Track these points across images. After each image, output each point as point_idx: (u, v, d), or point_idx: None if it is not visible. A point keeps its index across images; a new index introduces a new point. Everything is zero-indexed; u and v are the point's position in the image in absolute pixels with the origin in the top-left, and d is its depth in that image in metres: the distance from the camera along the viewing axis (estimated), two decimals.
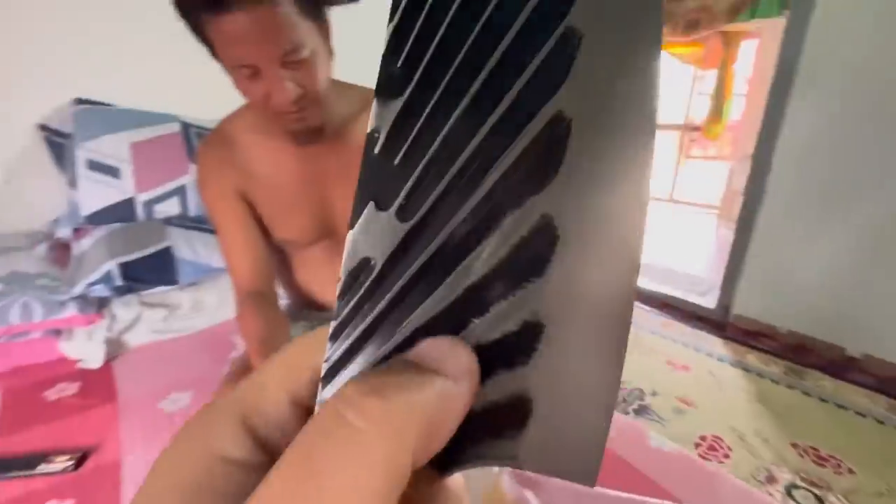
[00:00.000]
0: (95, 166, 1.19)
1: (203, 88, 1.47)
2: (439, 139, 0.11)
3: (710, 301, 2.52)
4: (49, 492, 0.72)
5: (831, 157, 1.89)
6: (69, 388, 0.95)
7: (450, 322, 0.11)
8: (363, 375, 0.11)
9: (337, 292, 0.12)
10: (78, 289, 1.03)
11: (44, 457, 0.76)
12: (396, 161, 0.12)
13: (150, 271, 1.12)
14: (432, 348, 0.11)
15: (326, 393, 0.12)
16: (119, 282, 1.08)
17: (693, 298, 2.61)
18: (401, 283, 0.12)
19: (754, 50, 4.69)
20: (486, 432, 0.11)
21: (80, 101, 1.26)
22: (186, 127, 1.35)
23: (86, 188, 1.17)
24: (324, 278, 0.87)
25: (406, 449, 0.09)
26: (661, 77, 0.10)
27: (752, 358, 2.05)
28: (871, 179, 1.81)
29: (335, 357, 0.12)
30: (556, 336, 0.10)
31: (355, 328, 0.12)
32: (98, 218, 1.19)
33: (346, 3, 1.38)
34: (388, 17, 0.12)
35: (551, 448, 0.10)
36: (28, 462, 0.76)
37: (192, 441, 0.11)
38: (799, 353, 2.05)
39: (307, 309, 0.93)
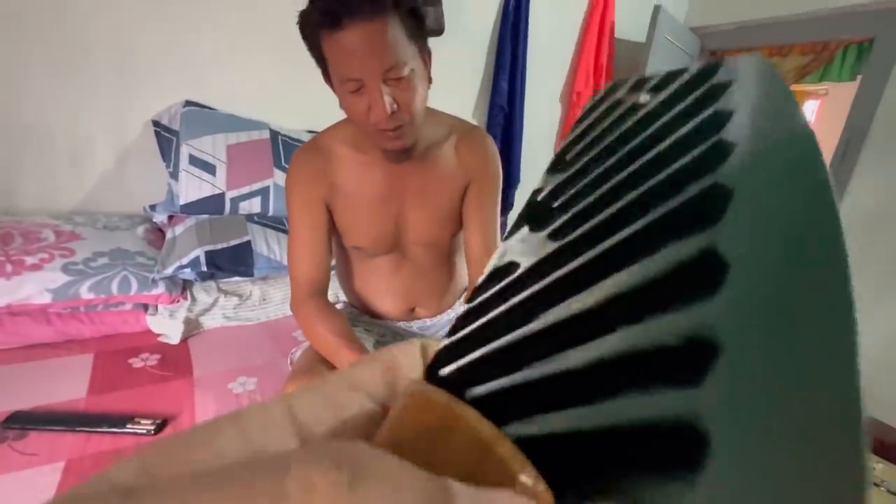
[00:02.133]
0: (195, 162, 1.31)
1: (291, 102, 1.61)
2: (594, 196, 0.14)
3: None
4: (133, 450, 0.79)
5: None
6: (151, 359, 1.04)
7: (597, 322, 0.10)
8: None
9: (478, 283, 0.14)
10: (169, 270, 1.13)
11: (131, 418, 0.84)
12: (554, 205, 0.15)
13: (231, 261, 1.22)
14: None
15: (443, 371, 0.12)
16: (204, 268, 1.18)
17: None
18: (544, 282, 0.12)
19: (815, 111, 4.60)
20: (642, 463, 0.09)
21: (188, 103, 1.40)
22: (275, 134, 1.48)
23: (185, 180, 1.30)
24: (383, 288, 0.92)
25: None
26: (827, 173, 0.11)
27: None
28: None
29: (460, 336, 0.13)
30: (736, 360, 0.08)
31: (489, 312, 0.13)
32: (191, 208, 1.31)
33: (433, 36, 1.49)
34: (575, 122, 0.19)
35: None
36: (117, 421, 0.83)
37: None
38: None
39: (364, 315, 0.98)
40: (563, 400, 0.10)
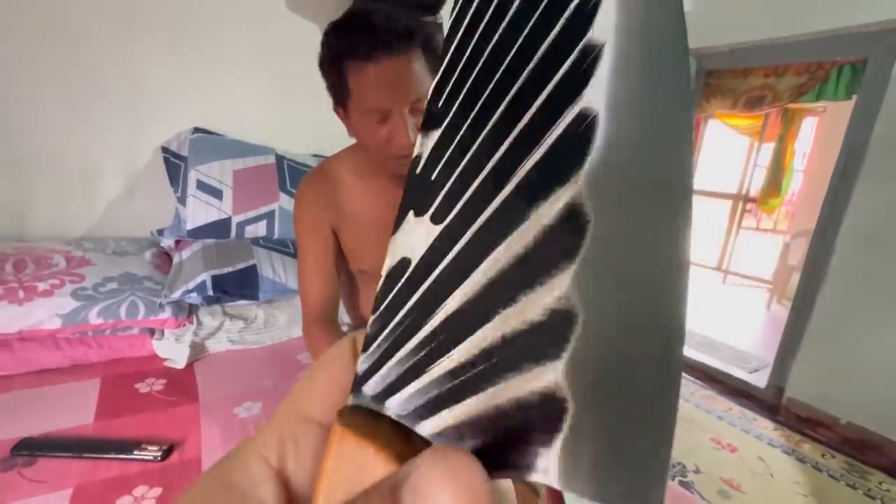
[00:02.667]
0: (203, 187, 1.35)
1: (296, 127, 1.65)
2: (469, 155, 0.12)
3: (759, 380, 2.41)
4: (140, 476, 0.79)
5: None
6: (157, 384, 1.05)
7: (477, 312, 0.11)
8: None
9: (377, 289, 0.13)
10: (176, 294, 1.15)
11: (137, 444, 0.85)
12: (433, 177, 0.13)
13: (237, 285, 1.24)
14: (430, 474, 0.09)
15: (364, 393, 0.13)
16: (210, 292, 1.19)
17: (740, 374, 2.50)
18: (433, 277, 0.12)
19: (815, 127, 4.65)
20: (514, 437, 0.10)
21: (196, 130, 1.45)
22: (280, 159, 1.51)
23: (193, 205, 1.33)
24: None
25: None
26: (691, 80, 0.11)
27: (808, 448, 1.93)
28: None
29: (378, 341, 0.13)
30: (590, 325, 0.10)
31: (392, 319, 0.13)
32: (198, 232, 1.33)
33: None
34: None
35: (594, 466, 0.09)
36: (123, 447, 0.84)
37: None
38: (860, 449, 1.91)
39: None
40: (460, 393, 0.11)
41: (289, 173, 1.49)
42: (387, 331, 0.13)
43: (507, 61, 0.12)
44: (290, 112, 1.64)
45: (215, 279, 1.21)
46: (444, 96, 0.14)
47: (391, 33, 0.66)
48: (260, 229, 1.41)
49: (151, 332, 1.16)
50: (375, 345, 0.13)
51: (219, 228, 1.35)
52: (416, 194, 0.13)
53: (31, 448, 0.81)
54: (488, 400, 0.10)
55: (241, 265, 1.27)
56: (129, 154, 1.42)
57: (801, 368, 2.14)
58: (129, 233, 1.43)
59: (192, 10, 1.41)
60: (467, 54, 0.14)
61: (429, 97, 0.14)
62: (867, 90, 1.96)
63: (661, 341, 0.10)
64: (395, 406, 0.12)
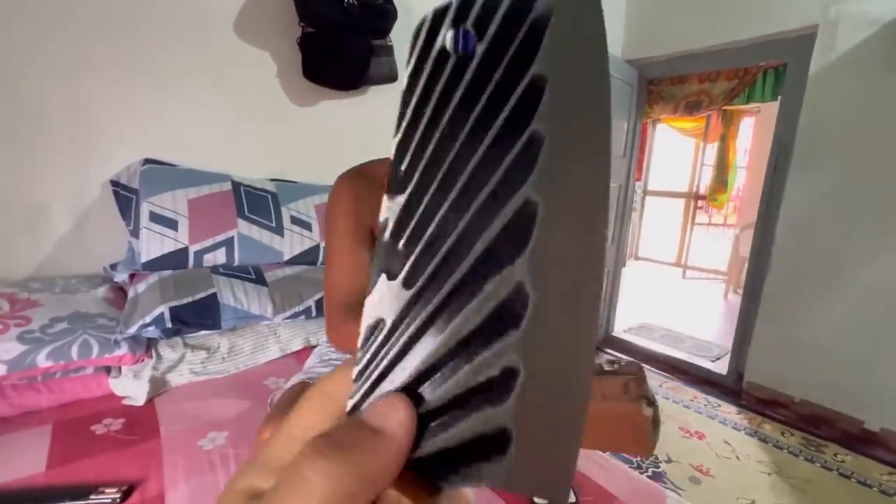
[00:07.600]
0: (156, 218, 1.32)
1: (251, 153, 1.64)
2: (433, 225, 0.14)
3: (721, 367, 2.52)
4: None
5: (830, 227, 1.99)
6: (115, 424, 1.01)
7: (445, 370, 0.14)
8: (325, 435, 0.13)
9: (359, 343, 0.15)
10: (132, 329, 1.12)
11: (94, 488, 0.81)
12: (401, 244, 0.15)
13: (197, 315, 1.21)
14: (380, 406, 0.14)
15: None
16: (169, 324, 1.16)
17: (704, 363, 2.61)
18: (404, 338, 0.14)
19: (752, 126, 4.99)
20: (476, 457, 0.13)
21: (147, 161, 1.42)
22: (237, 185, 1.50)
23: (147, 238, 1.30)
24: None
25: (343, 491, 0.12)
26: (610, 168, 0.13)
27: (769, 428, 2.03)
28: (870, 249, 1.89)
29: (358, 395, 0.15)
30: (529, 380, 0.12)
31: (372, 373, 0.15)
32: (154, 265, 1.30)
33: (387, 83, 1.57)
34: (393, 127, 0.16)
35: (532, 472, 0.12)
36: (79, 493, 0.80)
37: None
38: (814, 424, 2.02)
39: None
40: (433, 431, 0.14)
41: (246, 199, 1.48)
42: (370, 381, 0.15)
43: (462, 136, 0.14)
44: (244, 138, 1.63)
45: (174, 311, 1.18)
46: (406, 160, 0.15)
47: None
48: (219, 257, 1.39)
49: (108, 370, 1.12)
50: (361, 393, 0.15)
51: (176, 259, 1.32)
52: (386, 259, 0.15)
53: None
54: (456, 435, 0.13)
55: (201, 295, 1.24)
56: (76, 190, 1.38)
57: (756, 353, 2.26)
58: (80, 270, 1.37)
59: (138, 40, 1.40)
60: (426, 118, 0.15)
61: (392, 157, 0.15)
62: (788, 92, 2.14)
63: (578, 373, 0.13)
64: None
